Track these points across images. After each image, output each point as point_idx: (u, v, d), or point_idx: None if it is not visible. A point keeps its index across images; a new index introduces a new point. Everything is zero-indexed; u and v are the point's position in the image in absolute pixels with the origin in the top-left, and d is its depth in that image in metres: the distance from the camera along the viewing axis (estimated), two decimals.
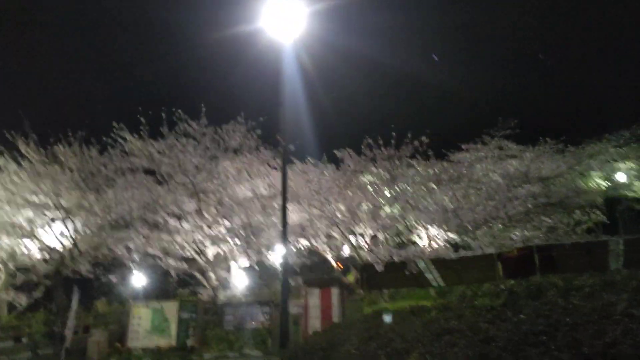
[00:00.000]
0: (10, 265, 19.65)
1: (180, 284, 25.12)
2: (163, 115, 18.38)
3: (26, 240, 18.52)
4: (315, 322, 18.60)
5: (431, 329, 4.52)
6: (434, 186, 19.87)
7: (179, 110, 18.83)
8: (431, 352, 4.03)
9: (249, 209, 18.87)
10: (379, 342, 4.71)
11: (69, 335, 17.53)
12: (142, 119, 18.23)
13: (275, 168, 21.09)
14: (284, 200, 11.37)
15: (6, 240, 18.30)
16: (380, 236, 21.22)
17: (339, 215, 19.03)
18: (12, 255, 18.99)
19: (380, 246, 19.18)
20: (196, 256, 21.21)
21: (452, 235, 21.07)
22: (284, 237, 10.57)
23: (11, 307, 21.07)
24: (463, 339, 4.02)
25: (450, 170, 20.74)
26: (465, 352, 3.77)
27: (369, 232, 20.11)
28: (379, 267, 16.83)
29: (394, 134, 19.58)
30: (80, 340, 19.48)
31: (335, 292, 19.09)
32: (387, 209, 20.13)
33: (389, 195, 19.57)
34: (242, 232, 18.35)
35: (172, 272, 22.96)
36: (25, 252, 19.16)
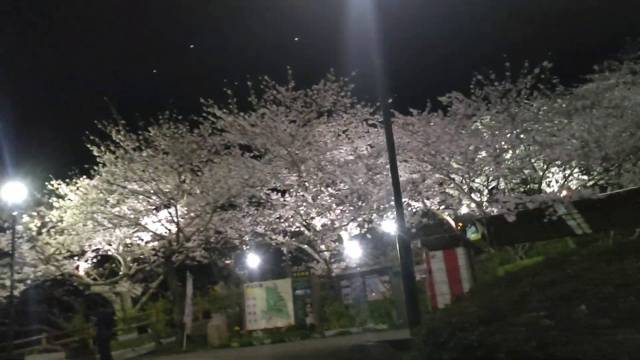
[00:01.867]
0: (126, 257, 19.82)
1: (294, 261, 24.27)
2: (249, 84, 17.14)
3: (137, 230, 18.46)
4: (442, 287, 16.54)
5: None
6: (565, 119, 16.85)
7: (265, 77, 17.49)
8: None
9: (352, 172, 17.18)
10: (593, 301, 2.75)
11: (189, 322, 17.21)
12: (228, 92, 17.12)
13: (375, 125, 19.20)
14: (392, 153, 9.51)
15: (118, 233, 18.31)
16: (503, 185, 18.64)
17: (454, 166, 16.74)
18: (126, 246, 19.07)
19: (507, 194, 16.62)
20: (304, 229, 20.10)
21: (586, 175, 18.09)
22: (397, 189, 8.73)
23: (134, 299, 21.45)
24: None
25: (581, 99, 17.52)
26: None
27: (491, 181, 17.61)
28: (511, 217, 14.39)
29: (508, 64, 16.77)
30: (200, 326, 19.22)
31: (460, 252, 16.88)
32: (510, 153, 17.45)
33: (509, 136, 16.87)
34: (348, 197, 16.73)
35: (284, 249, 22.21)
36: (138, 242, 19.20)
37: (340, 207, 17.56)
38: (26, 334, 20.88)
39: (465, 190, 18.44)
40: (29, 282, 18.51)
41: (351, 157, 18.73)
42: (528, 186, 19.89)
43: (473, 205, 20.65)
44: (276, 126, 17.68)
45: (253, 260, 27.16)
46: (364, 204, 16.86)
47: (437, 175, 17.58)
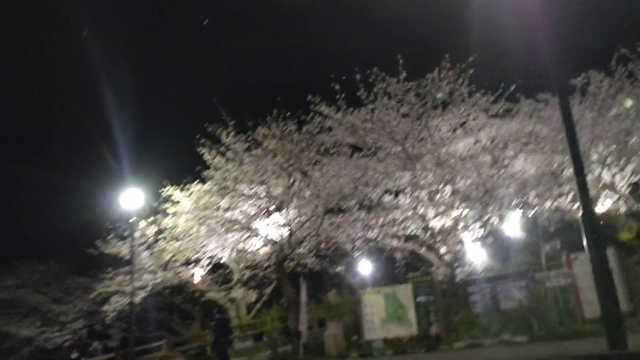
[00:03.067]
0: (239, 264, 19.59)
1: (408, 267, 22.84)
2: (357, 77, 16.13)
3: (249, 236, 18.12)
4: (589, 295, 14.38)
5: None
6: None
7: (375, 69, 16.38)
8: None
9: (476, 166, 15.54)
10: None
11: (304, 331, 16.46)
12: (336, 87, 16.23)
13: (497, 115, 17.35)
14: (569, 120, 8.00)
15: (230, 238, 18.07)
16: None
17: (601, 154, 14.52)
18: (238, 252, 18.80)
19: None
20: (420, 232, 18.66)
21: None
22: (576, 159, 7.22)
23: (249, 306, 21.20)
24: None
25: None
26: None
27: None
28: None
29: None
30: (316, 334, 18.42)
31: (611, 253, 14.60)
32: None
33: None
34: (474, 193, 15.12)
35: (398, 255, 20.91)
36: (250, 248, 18.85)
37: (464, 204, 15.95)
38: (148, 341, 21.38)
39: (609, 182, 16.07)
40: (148, 289, 18.82)
41: (470, 152, 17.10)
42: None
43: (610, 200, 18.15)
44: (389, 121, 16.51)
45: (365, 267, 26.07)
46: (492, 200, 15.17)
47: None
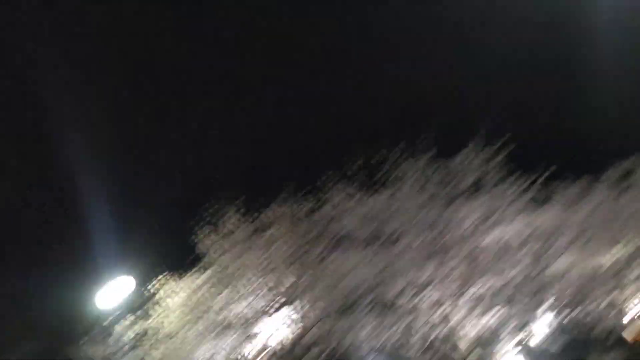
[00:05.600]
0: None
1: None
2: (378, 155, 14.39)
3: (240, 342, 15.23)
4: None
5: None
6: None
7: (398, 146, 14.75)
8: None
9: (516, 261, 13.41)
10: None
11: None
12: (353, 166, 14.43)
13: (532, 204, 15.46)
14: None
15: (223, 346, 15.14)
16: None
17: None
18: None
19: None
20: (444, 342, 15.95)
21: None
22: None
23: None
24: None
25: None
26: None
27: None
28: None
29: None
30: None
31: None
32: None
33: None
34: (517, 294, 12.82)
35: None
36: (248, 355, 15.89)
37: (504, 308, 13.54)
38: None
39: None
40: None
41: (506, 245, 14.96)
42: None
43: None
44: (411, 207, 14.57)
45: None
46: (540, 303, 12.81)
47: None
